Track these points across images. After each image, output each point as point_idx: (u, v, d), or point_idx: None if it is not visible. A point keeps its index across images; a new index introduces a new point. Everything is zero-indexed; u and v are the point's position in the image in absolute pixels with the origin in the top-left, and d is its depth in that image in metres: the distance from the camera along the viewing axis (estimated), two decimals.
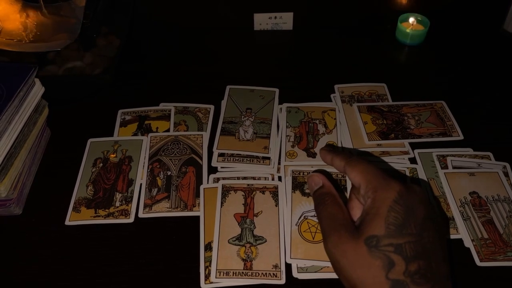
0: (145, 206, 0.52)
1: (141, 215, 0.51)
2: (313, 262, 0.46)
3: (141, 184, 0.54)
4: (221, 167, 0.56)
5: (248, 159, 0.56)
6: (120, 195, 0.53)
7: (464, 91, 0.67)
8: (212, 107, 0.64)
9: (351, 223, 0.36)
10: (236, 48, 0.77)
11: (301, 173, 0.54)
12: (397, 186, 0.35)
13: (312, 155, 0.57)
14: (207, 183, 0.54)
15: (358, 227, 0.35)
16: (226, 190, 0.52)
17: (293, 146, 0.58)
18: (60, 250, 0.48)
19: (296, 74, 0.71)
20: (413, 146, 0.58)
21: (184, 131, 0.61)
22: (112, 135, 0.60)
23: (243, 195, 0.52)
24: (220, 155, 0.57)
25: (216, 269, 0.45)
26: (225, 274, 0.45)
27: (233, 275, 0.45)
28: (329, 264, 0.45)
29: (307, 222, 0.49)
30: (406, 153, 0.57)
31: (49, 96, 0.58)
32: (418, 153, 0.57)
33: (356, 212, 0.39)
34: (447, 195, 0.52)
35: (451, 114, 0.62)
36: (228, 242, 0.47)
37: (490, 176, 0.53)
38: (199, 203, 0.52)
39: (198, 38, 0.79)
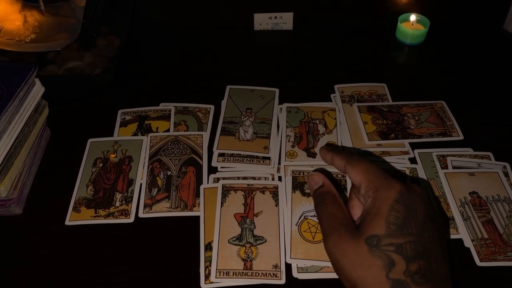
0: (145, 206, 0.52)
1: (141, 215, 0.51)
2: (313, 262, 0.46)
3: (141, 184, 0.54)
4: (221, 167, 0.56)
5: (248, 159, 0.56)
6: (120, 195, 0.53)
7: (464, 91, 0.67)
8: (212, 107, 0.64)
9: (351, 222, 0.36)
10: (236, 48, 0.77)
11: (301, 173, 0.54)
12: (398, 185, 0.35)
13: (312, 155, 0.57)
14: (207, 183, 0.54)
15: (359, 226, 0.35)
16: (226, 190, 0.52)
17: (293, 146, 0.58)
18: (60, 250, 0.48)
19: (296, 74, 0.71)
20: (413, 146, 0.58)
21: (184, 131, 0.61)
22: (112, 135, 0.60)
23: (243, 195, 0.52)
24: (220, 155, 0.57)
25: (216, 269, 0.45)
26: (225, 274, 0.45)
27: (233, 275, 0.45)
28: (329, 264, 0.45)
29: (307, 222, 0.49)
30: (406, 153, 0.57)
31: (49, 96, 0.58)
32: (418, 153, 0.57)
33: (356, 211, 0.39)
34: (447, 195, 0.52)
35: (451, 114, 0.62)
36: (228, 242, 0.47)
37: (490, 176, 0.53)
38: (199, 203, 0.52)
39: (198, 38, 0.79)
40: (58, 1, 0.69)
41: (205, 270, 0.46)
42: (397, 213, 0.33)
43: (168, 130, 0.61)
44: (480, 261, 0.46)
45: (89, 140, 0.59)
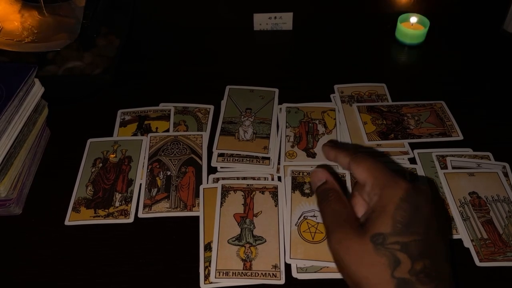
0: (145, 206, 0.52)
1: (140, 215, 0.51)
2: (313, 262, 0.46)
3: (140, 184, 0.54)
4: (221, 167, 0.56)
5: (248, 159, 0.56)
6: (120, 195, 0.53)
7: (464, 91, 0.67)
8: (211, 107, 0.64)
9: (355, 220, 0.36)
10: (236, 48, 0.77)
11: (301, 173, 0.54)
12: (404, 184, 0.34)
13: (311, 155, 0.57)
14: (207, 183, 0.54)
15: (363, 224, 0.34)
16: (225, 190, 0.52)
17: (292, 146, 0.58)
18: (60, 250, 0.48)
19: (295, 74, 0.71)
20: (413, 146, 0.58)
21: (184, 131, 0.61)
22: (111, 135, 0.60)
23: (242, 195, 0.52)
24: (220, 155, 0.57)
25: (216, 269, 0.45)
26: (224, 274, 0.45)
27: (232, 275, 0.45)
28: (328, 264, 0.46)
29: (307, 222, 0.49)
30: (406, 153, 0.57)
31: (49, 96, 0.58)
32: (418, 153, 0.57)
33: (359, 209, 0.39)
34: (446, 195, 0.52)
35: (451, 114, 0.62)
36: (228, 242, 0.48)
37: (489, 176, 0.53)
38: (198, 203, 0.52)
39: (198, 38, 0.79)
40: (58, 1, 0.69)
41: (204, 270, 0.46)
42: (403, 212, 0.33)
43: (167, 130, 0.61)
44: (480, 261, 0.46)
45: (89, 140, 0.59)
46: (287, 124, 0.61)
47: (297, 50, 0.77)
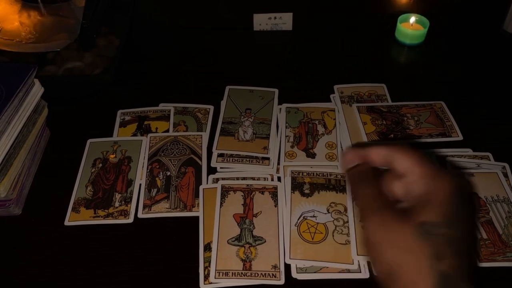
0: (145, 206, 0.52)
1: (140, 215, 0.51)
2: (312, 263, 0.46)
3: (140, 185, 0.54)
4: (221, 168, 0.56)
5: (248, 159, 0.56)
6: (120, 195, 0.53)
7: (464, 91, 0.67)
8: (211, 107, 0.64)
9: (395, 204, 0.34)
10: (236, 48, 0.77)
11: (300, 174, 0.54)
12: (455, 179, 0.33)
13: (311, 155, 0.57)
14: (207, 183, 0.54)
15: (407, 210, 0.33)
16: (225, 191, 0.52)
17: (292, 147, 0.58)
18: (60, 250, 0.48)
19: (295, 74, 0.71)
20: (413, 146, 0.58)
21: (184, 131, 0.61)
22: (111, 135, 0.60)
23: (242, 195, 0.52)
24: (220, 155, 0.57)
25: (215, 270, 0.45)
26: (224, 275, 0.45)
27: (232, 276, 0.45)
28: (328, 264, 0.46)
29: (306, 222, 0.49)
30: None
31: (49, 96, 0.58)
32: None
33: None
34: None
35: (451, 115, 0.62)
36: (228, 243, 0.48)
37: (489, 177, 0.53)
38: (198, 204, 0.52)
39: (198, 38, 0.79)
40: (58, 1, 0.69)
41: (204, 270, 0.46)
42: (454, 206, 0.32)
43: (167, 131, 0.61)
44: (479, 262, 0.46)
45: (89, 141, 0.59)
46: (287, 124, 0.61)
47: (297, 50, 0.77)
